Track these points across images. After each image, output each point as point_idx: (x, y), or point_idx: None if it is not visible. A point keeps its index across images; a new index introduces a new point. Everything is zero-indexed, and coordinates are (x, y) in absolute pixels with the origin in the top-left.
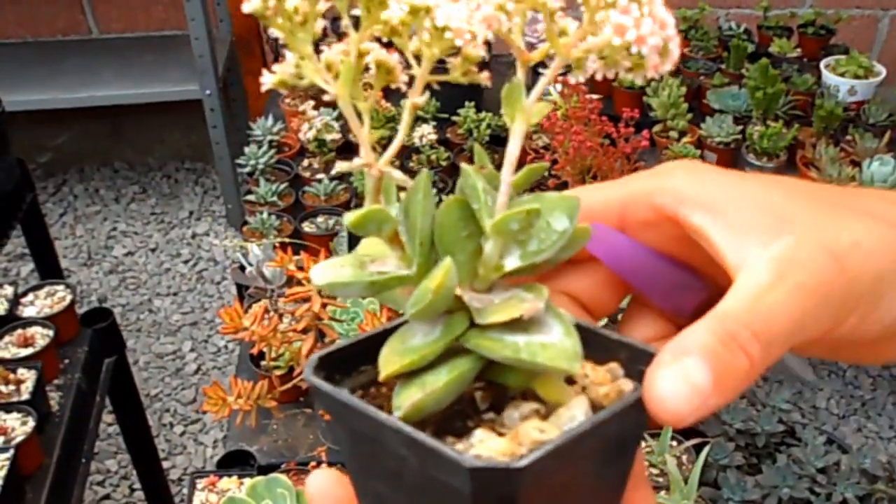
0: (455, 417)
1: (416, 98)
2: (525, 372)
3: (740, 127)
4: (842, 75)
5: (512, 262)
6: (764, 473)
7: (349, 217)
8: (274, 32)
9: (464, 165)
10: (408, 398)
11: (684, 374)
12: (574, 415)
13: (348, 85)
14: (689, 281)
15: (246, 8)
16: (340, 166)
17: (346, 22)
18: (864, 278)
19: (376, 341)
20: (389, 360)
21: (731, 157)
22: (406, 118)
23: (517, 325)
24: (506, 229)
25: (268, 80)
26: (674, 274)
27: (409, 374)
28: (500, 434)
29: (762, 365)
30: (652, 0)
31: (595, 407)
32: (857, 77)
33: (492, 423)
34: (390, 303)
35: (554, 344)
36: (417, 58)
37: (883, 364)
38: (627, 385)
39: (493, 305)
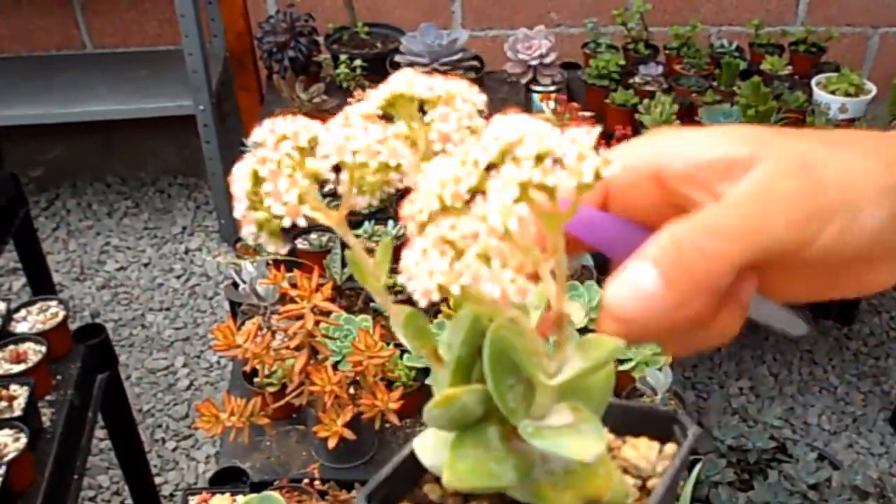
0: None
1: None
2: None
3: None
4: (833, 93)
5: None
6: (756, 490)
7: None
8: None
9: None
10: None
11: (630, 280)
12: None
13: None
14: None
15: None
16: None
17: None
18: (836, 189)
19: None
20: None
21: None
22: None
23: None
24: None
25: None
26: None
27: None
28: None
29: (722, 260)
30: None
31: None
32: (847, 95)
33: None
34: None
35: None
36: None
37: (869, 292)
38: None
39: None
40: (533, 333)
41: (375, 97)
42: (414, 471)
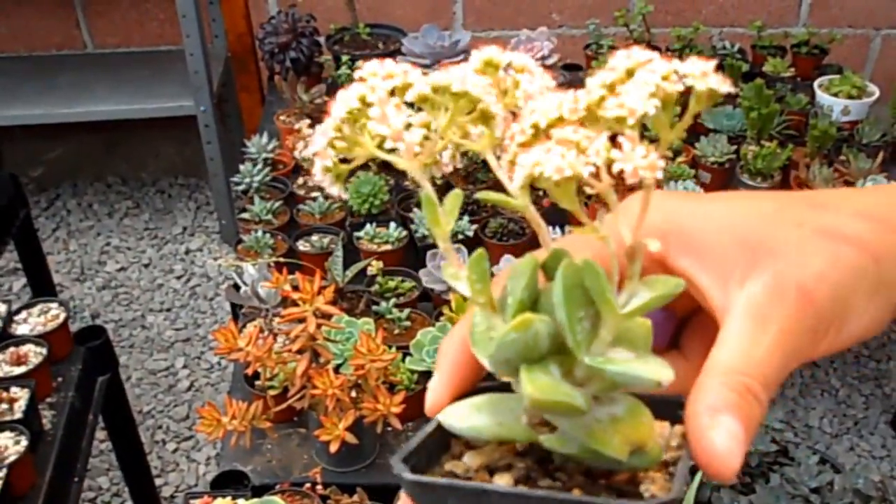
0: None
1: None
2: None
3: (734, 147)
4: (835, 95)
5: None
6: (757, 493)
7: None
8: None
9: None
10: None
11: (728, 431)
12: None
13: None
14: (662, 313)
15: None
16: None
17: None
18: (830, 305)
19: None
20: None
21: (725, 177)
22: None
23: None
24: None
25: None
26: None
27: None
28: None
29: (767, 404)
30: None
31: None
32: (850, 97)
33: None
34: None
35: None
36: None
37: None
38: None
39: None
40: (607, 263)
41: (471, 61)
42: (437, 448)
